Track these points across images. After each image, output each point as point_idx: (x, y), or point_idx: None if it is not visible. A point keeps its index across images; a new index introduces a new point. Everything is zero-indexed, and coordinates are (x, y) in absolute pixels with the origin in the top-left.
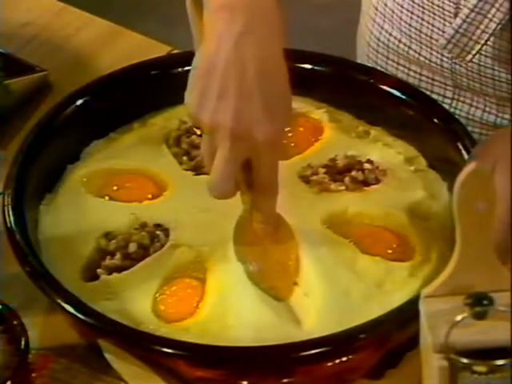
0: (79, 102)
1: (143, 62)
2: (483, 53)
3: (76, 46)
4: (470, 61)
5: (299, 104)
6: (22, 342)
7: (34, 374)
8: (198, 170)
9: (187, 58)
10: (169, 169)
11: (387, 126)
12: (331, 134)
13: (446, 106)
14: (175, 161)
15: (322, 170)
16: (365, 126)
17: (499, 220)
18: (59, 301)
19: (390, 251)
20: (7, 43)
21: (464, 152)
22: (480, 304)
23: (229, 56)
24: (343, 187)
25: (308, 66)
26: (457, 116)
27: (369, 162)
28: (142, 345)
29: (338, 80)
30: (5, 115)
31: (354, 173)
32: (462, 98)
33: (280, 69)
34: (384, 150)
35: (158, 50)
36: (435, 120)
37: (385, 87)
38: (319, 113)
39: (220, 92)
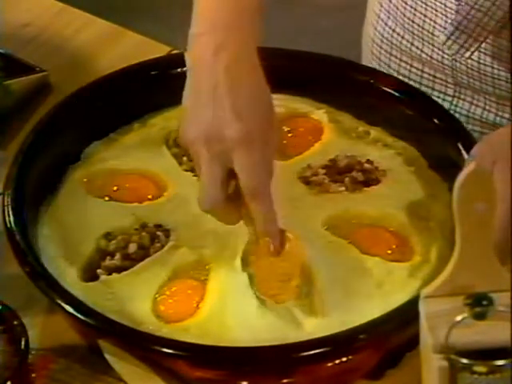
0: (79, 102)
1: (143, 62)
2: (482, 51)
3: (76, 47)
4: (469, 58)
5: (299, 104)
6: (22, 343)
7: (33, 375)
8: None
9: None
10: (169, 169)
11: (387, 127)
12: (331, 134)
13: (447, 104)
14: (175, 161)
15: (321, 171)
16: (365, 127)
17: (499, 220)
18: (59, 301)
19: (389, 252)
20: (7, 43)
21: (464, 152)
22: (480, 304)
23: (205, 73)
24: (343, 188)
25: (308, 67)
26: (457, 114)
27: (369, 162)
28: (142, 345)
29: (338, 80)
30: (5, 115)
31: (354, 173)
32: (462, 96)
33: (251, 76)
34: (384, 150)
35: (158, 50)
36: (435, 120)
37: (385, 87)
38: (319, 113)
39: (198, 109)
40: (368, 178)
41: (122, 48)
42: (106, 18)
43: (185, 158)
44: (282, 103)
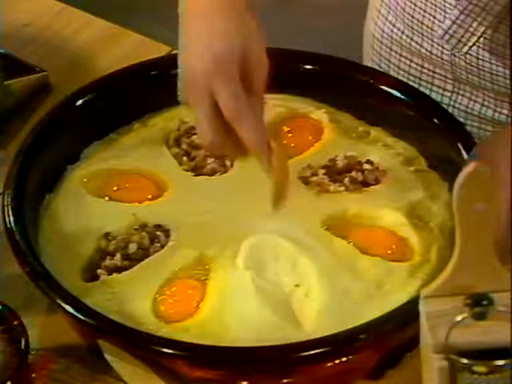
0: (79, 102)
1: (143, 62)
2: (481, 45)
3: (76, 47)
4: (467, 53)
5: (299, 104)
6: (22, 343)
7: (33, 375)
8: (197, 170)
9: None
10: (169, 169)
11: (387, 127)
12: (331, 134)
13: (446, 99)
14: (175, 161)
15: (321, 171)
16: (365, 127)
17: (499, 220)
18: (59, 301)
19: (389, 252)
20: (7, 43)
21: (464, 152)
22: (480, 304)
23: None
24: (343, 188)
25: (308, 67)
26: (456, 110)
27: (368, 162)
28: (142, 345)
29: (338, 80)
30: (5, 115)
31: (353, 173)
32: (461, 92)
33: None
34: (384, 150)
35: (157, 50)
36: (435, 120)
37: (385, 88)
38: (319, 113)
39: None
40: (368, 178)
41: (122, 48)
42: (106, 18)
43: (185, 158)
44: (282, 103)
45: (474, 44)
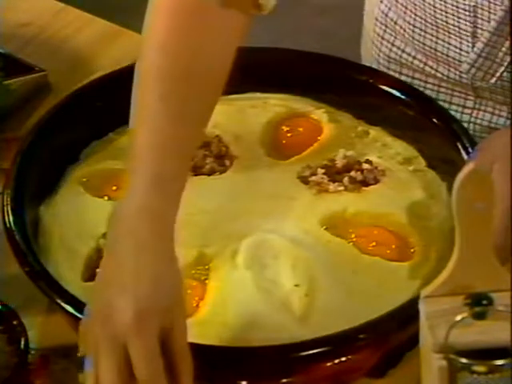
0: (78, 102)
1: None
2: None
3: (75, 47)
4: (495, 82)
5: (299, 104)
6: (22, 343)
7: (33, 375)
8: (196, 170)
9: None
10: None
11: (386, 126)
12: (330, 134)
13: (467, 117)
14: None
15: (320, 171)
16: (364, 126)
17: (498, 220)
18: (59, 301)
19: (389, 251)
20: (7, 43)
21: (463, 152)
22: (480, 304)
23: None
24: (342, 187)
25: (308, 67)
26: (478, 126)
27: (368, 162)
28: None
29: (338, 80)
30: (4, 115)
31: (352, 173)
32: (483, 107)
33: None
34: (383, 150)
35: None
36: (434, 120)
37: (384, 87)
38: (318, 113)
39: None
40: (367, 177)
41: (122, 48)
42: (106, 18)
43: None
44: (282, 103)
45: (501, 74)
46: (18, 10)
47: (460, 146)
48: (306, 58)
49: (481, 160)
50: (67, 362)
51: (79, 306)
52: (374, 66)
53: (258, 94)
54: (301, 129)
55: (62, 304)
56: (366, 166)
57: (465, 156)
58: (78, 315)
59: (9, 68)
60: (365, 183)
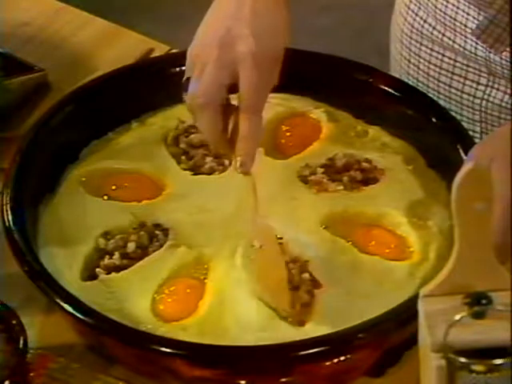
0: (78, 101)
1: (142, 62)
2: None
3: (75, 46)
4: (504, 50)
5: (298, 103)
6: (21, 342)
7: (32, 374)
8: (196, 169)
9: (186, 57)
10: (167, 168)
11: (386, 126)
12: (330, 133)
13: (480, 93)
14: (174, 160)
15: (320, 170)
16: (363, 126)
17: (497, 219)
18: (58, 300)
19: (388, 251)
20: (6, 42)
21: (462, 151)
22: (479, 303)
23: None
24: (341, 187)
25: (307, 66)
26: (490, 103)
27: (367, 161)
28: (141, 344)
29: (337, 80)
30: (3, 114)
31: (352, 172)
32: (496, 85)
33: (274, 11)
34: (382, 149)
35: (157, 50)
36: (434, 119)
37: (384, 87)
38: (318, 112)
39: (218, 21)
40: (366, 176)
41: (122, 48)
42: (105, 17)
43: (183, 157)
44: (281, 102)
45: (510, 44)
46: (18, 9)
47: (459, 146)
48: (305, 57)
49: (480, 159)
50: (66, 361)
51: (78, 305)
52: (399, 35)
53: None
54: (300, 128)
55: (61, 303)
56: (365, 165)
57: (464, 155)
58: (77, 315)
59: (8, 67)
60: (364, 182)
